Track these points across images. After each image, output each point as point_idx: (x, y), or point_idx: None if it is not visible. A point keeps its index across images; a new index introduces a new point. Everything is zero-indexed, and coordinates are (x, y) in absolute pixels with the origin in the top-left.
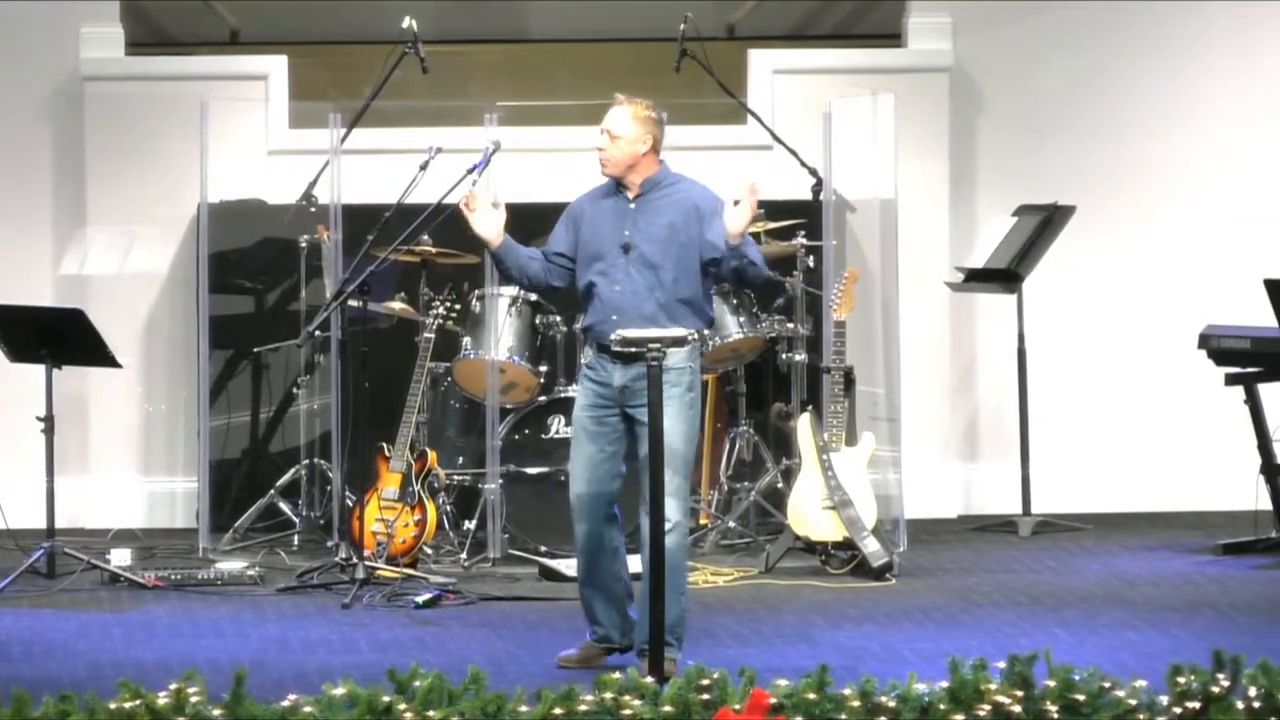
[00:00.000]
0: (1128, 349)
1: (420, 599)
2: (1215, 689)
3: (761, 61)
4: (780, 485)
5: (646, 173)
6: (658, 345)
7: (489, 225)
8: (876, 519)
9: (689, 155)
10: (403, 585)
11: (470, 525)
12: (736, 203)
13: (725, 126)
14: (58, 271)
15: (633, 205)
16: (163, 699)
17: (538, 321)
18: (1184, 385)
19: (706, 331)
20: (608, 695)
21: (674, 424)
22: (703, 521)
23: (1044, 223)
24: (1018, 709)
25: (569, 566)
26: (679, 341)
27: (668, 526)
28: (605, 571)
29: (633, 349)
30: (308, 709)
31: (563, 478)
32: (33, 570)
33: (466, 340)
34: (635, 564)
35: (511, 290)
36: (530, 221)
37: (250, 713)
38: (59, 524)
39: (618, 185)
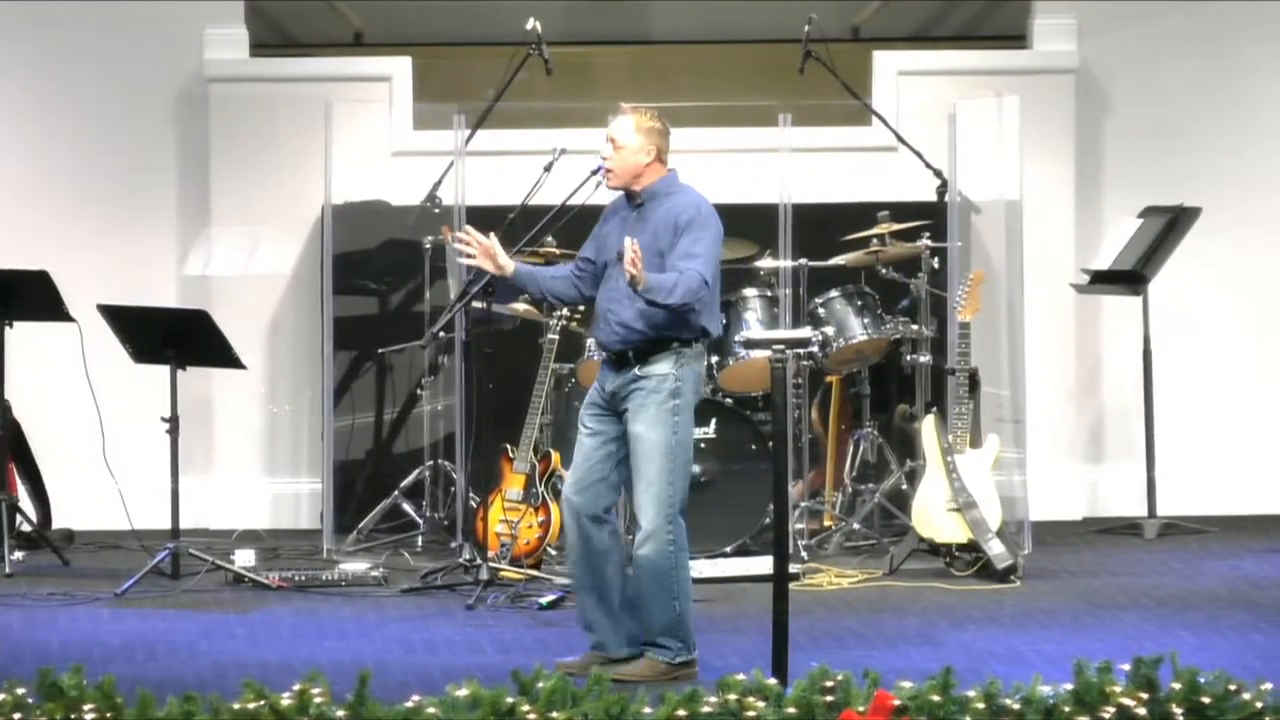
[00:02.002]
0: (1254, 350)
1: (544, 600)
2: None
3: (886, 63)
4: (904, 487)
5: (649, 182)
6: (781, 347)
7: (489, 261)
8: (1001, 521)
9: (813, 157)
10: (526, 586)
11: None
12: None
13: (850, 128)
14: (182, 272)
15: (634, 215)
16: (286, 700)
17: None
18: None
19: (700, 344)
20: (731, 697)
21: (648, 430)
22: (827, 523)
23: (1170, 224)
24: (1143, 711)
25: (693, 568)
26: (800, 342)
27: (640, 536)
28: (597, 576)
29: (758, 349)
30: (431, 710)
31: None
32: (157, 571)
33: (590, 341)
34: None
35: None
36: None
37: (374, 713)
38: (184, 525)
39: (628, 195)
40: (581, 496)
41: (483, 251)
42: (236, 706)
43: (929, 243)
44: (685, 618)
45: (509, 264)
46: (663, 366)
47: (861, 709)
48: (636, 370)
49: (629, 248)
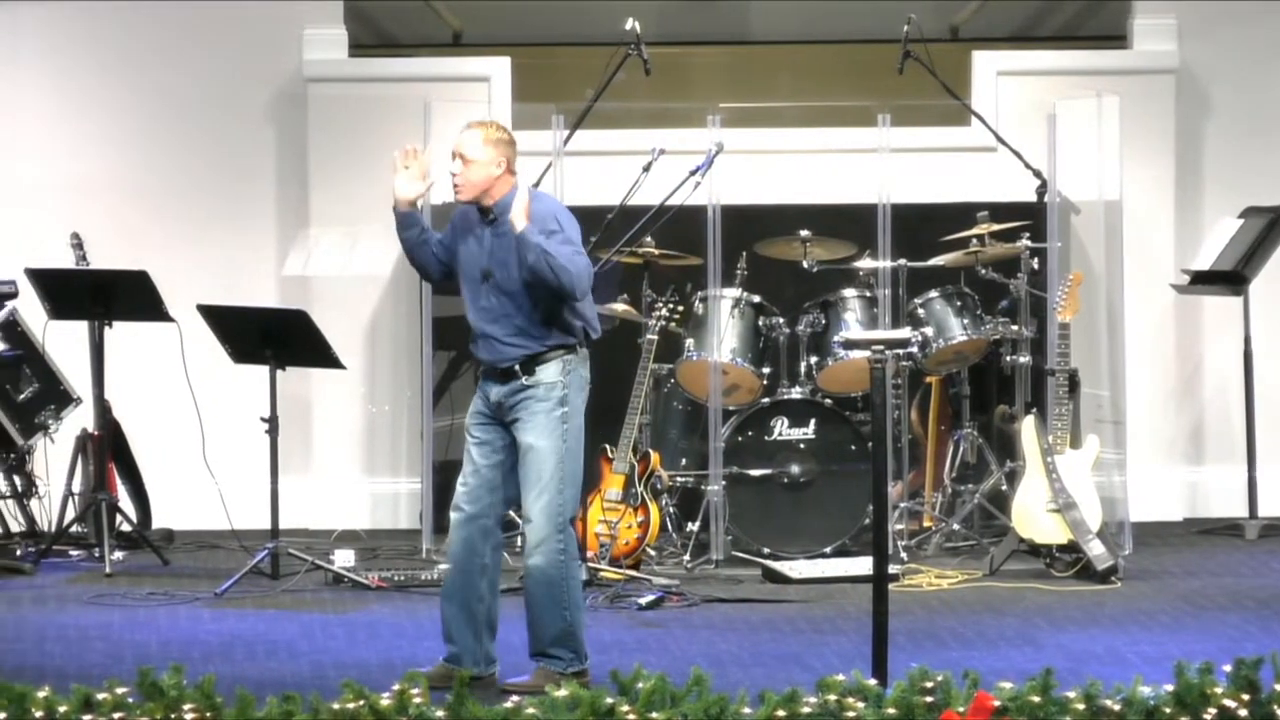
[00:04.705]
0: None
1: (643, 600)
2: None
3: (985, 63)
4: (1004, 488)
5: (500, 195)
6: (880, 347)
7: (410, 189)
8: (1101, 522)
9: (912, 157)
10: (626, 587)
11: (693, 527)
12: None
13: (949, 128)
14: (281, 272)
15: (489, 230)
16: (385, 700)
17: (760, 323)
18: None
19: (584, 349)
20: (831, 697)
21: (538, 440)
22: (926, 524)
23: (1271, 224)
24: (1244, 713)
25: (793, 568)
26: (899, 343)
27: (529, 546)
28: (470, 588)
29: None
30: (530, 710)
31: (785, 480)
32: (257, 571)
33: (689, 342)
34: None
35: (734, 292)
36: (750, 224)
37: (473, 714)
38: (283, 525)
39: (480, 209)
40: (473, 506)
41: (421, 173)
42: (336, 706)
43: (1028, 243)
44: (576, 628)
45: (414, 199)
46: (549, 374)
47: (961, 710)
48: (523, 380)
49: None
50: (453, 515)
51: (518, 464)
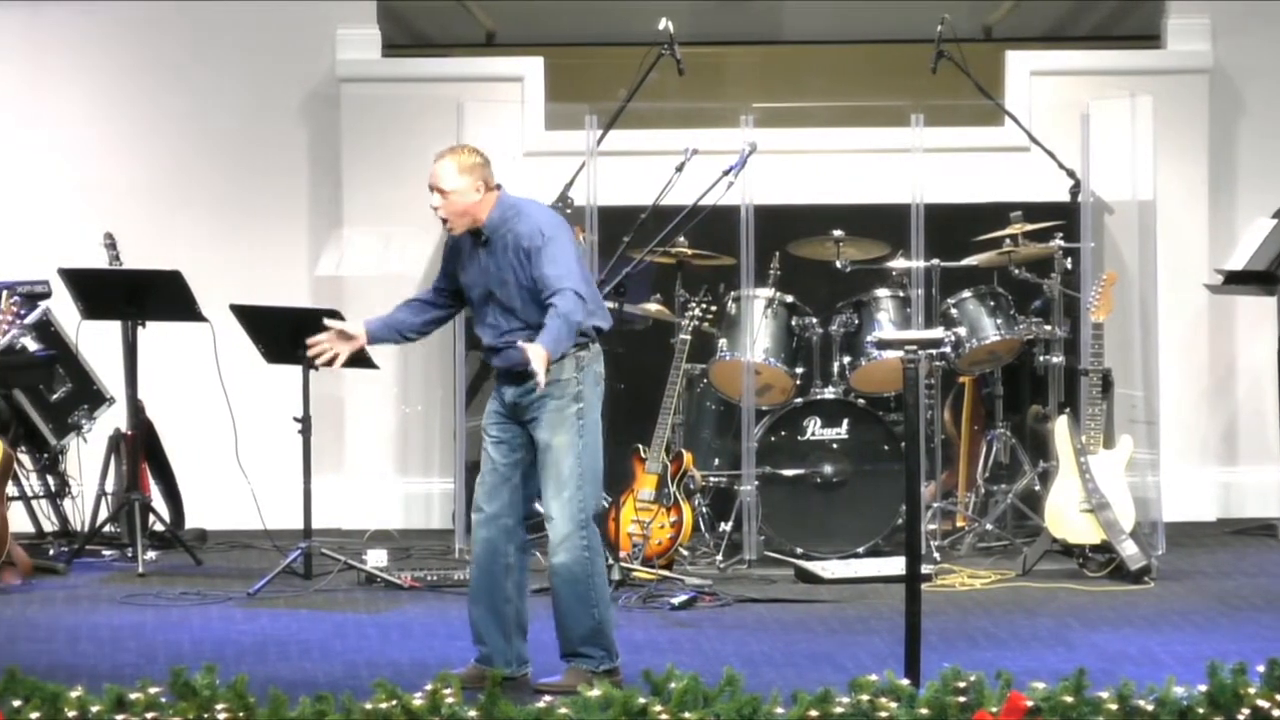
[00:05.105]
0: None
1: (676, 600)
2: None
3: (1019, 63)
4: (1037, 488)
5: (485, 213)
6: (914, 347)
7: (348, 351)
8: (1134, 522)
9: (945, 157)
10: (658, 587)
11: (726, 527)
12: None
13: (982, 128)
14: (314, 272)
15: (482, 251)
16: (418, 699)
17: (793, 323)
18: None
19: (596, 344)
20: (864, 697)
21: (554, 437)
22: (959, 524)
23: None
24: (1278, 713)
25: (825, 568)
26: (933, 343)
27: (552, 544)
28: (495, 589)
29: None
30: (563, 710)
31: (818, 480)
32: (289, 570)
33: (722, 342)
34: None
35: (767, 292)
36: (783, 223)
37: (505, 713)
38: (316, 524)
39: (472, 231)
40: (492, 505)
41: (336, 343)
42: (369, 706)
43: (1062, 243)
44: (605, 625)
45: (361, 332)
46: (563, 372)
47: (994, 710)
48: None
49: (534, 363)
50: (474, 516)
51: (536, 462)
